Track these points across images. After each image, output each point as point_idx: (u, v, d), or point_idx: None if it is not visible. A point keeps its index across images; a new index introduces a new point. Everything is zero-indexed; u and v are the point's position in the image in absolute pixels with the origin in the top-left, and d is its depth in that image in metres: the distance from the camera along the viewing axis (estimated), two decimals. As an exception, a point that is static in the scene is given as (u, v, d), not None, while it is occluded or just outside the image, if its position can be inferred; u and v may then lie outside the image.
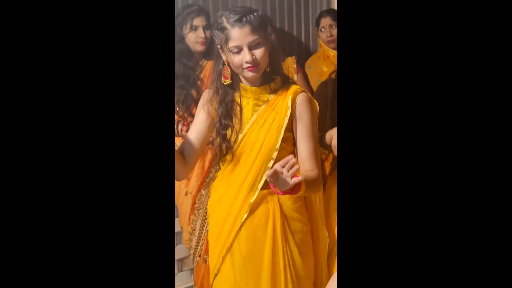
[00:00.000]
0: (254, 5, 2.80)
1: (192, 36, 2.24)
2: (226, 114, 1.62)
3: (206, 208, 2.33)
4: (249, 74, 1.55)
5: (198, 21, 2.23)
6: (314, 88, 2.70)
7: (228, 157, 1.65)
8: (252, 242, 1.64)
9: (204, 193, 2.34)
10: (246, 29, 1.50)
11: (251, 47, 1.51)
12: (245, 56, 1.51)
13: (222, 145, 1.63)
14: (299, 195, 1.52)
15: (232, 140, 1.62)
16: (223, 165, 1.72)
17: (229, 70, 1.59)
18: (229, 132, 1.63)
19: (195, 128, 1.67)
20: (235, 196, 1.64)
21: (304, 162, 1.59)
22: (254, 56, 1.51)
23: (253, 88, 1.62)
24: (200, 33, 2.23)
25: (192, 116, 2.21)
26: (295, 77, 2.62)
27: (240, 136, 1.62)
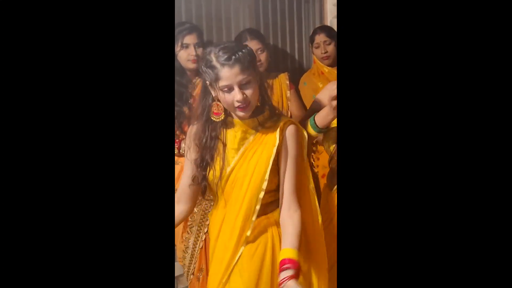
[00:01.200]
0: (247, 23, 2.81)
1: (183, 54, 2.25)
2: (208, 152, 1.60)
3: (198, 226, 2.32)
4: (241, 113, 1.52)
5: (189, 39, 2.24)
6: (308, 104, 2.70)
7: (218, 192, 1.62)
8: (250, 270, 1.59)
9: (196, 211, 2.32)
10: (236, 68, 1.46)
11: (241, 86, 1.48)
12: (236, 95, 1.47)
13: (202, 184, 1.62)
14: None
15: (211, 179, 1.60)
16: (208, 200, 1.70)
17: (221, 106, 1.55)
18: (209, 171, 1.60)
19: (186, 175, 1.66)
20: (230, 231, 1.60)
21: (288, 198, 1.57)
22: (245, 95, 1.48)
23: (242, 121, 1.59)
24: (192, 51, 2.24)
25: (184, 133, 2.20)
26: (288, 94, 2.62)
27: (228, 170, 1.58)
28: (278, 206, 1.64)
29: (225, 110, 1.56)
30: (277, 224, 1.62)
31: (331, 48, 2.75)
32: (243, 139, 1.59)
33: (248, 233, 1.57)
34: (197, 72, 2.27)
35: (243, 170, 1.57)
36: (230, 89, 1.48)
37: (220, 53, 1.47)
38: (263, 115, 1.59)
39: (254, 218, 1.57)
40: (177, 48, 2.24)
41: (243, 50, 1.50)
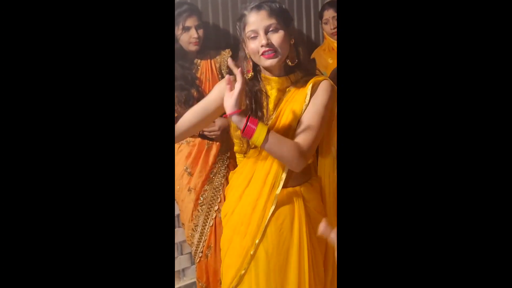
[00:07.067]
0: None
1: (185, 36, 2.23)
2: (256, 106, 1.57)
3: (209, 204, 2.35)
4: (267, 62, 1.50)
5: (190, 22, 2.22)
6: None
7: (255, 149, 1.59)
8: (278, 242, 1.60)
9: (207, 189, 2.34)
10: (263, 13, 1.48)
11: (267, 31, 1.48)
12: (261, 40, 1.47)
13: None
14: (253, 140, 1.42)
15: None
16: (244, 157, 1.65)
17: (251, 63, 1.55)
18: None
19: (201, 104, 1.62)
20: (260, 189, 1.58)
21: (300, 134, 1.49)
22: (269, 40, 1.47)
23: (275, 78, 1.57)
24: (193, 33, 2.23)
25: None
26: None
27: None
28: (306, 180, 1.64)
29: (254, 68, 1.56)
30: (304, 198, 1.62)
31: (340, 23, 2.71)
32: (278, 98, 1.57)
33: (278, 191, 1.55)
34: (198, 54, 2.31)
35: (275, 129, 1.53)
36: (255, 34, 1.49)
37: (251, 4, 1.51)
38: (295, 74, 1.57)
39: (283, 175, 1.55)
40: (178, 31, 2.22)
41: (275, 3, 1.51)
